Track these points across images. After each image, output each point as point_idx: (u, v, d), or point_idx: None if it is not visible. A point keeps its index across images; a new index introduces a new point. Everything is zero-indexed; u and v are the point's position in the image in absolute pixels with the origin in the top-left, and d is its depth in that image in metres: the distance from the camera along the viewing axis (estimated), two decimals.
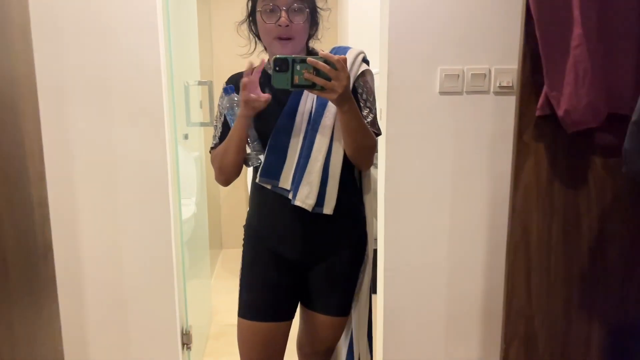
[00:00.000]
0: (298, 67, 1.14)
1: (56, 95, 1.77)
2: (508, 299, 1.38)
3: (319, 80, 1.14)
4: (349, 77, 1.17)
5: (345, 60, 1.17)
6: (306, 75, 1.14)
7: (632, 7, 1.16)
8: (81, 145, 1.81)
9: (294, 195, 1.31)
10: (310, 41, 1.42)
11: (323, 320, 1.46)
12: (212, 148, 1.46)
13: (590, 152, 1.26)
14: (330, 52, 1.35)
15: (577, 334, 1.38)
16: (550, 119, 1.24)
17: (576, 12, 1.11)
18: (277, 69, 1.15)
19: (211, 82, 2.26)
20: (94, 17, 1.73)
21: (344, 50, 1.38)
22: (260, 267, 1.44)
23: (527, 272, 1.33)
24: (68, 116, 1.79)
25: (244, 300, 1.46)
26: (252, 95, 1.24)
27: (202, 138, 2.72)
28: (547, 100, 1.21)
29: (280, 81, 1.16)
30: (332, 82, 1.14)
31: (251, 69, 1.24)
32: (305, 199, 1.31)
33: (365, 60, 1.42)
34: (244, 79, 1.24)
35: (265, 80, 1.31)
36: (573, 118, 1.16)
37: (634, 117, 0.90)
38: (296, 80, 1.15)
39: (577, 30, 1.12)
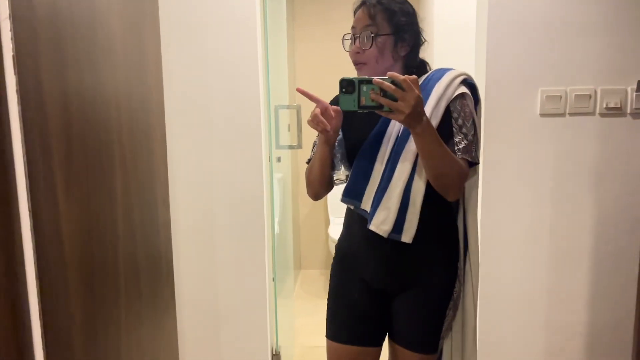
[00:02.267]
0: (364, 88, 1.12)
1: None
2: (638, 337, 1.28)
3: (385, 101, 1.11)
4: (418, 97, 1.13)
5: (415, 80, 1.13)
6: (372, 96, 1.12)
7: None
8: (182, 167, 1.89)
9: (370, 219, 1.29)
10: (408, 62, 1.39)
11: (407, 355, 1.38)
12: (307, 161, 1.48)
13: None
14: (432, 74, 1.34)
15: None
16: None
17: None
18: (344, 90, 1.14)
19: (299, 105, 2.30)
20: (199, 46, 1.82)
21: (443, 72, 1.34)
22: (344, 288, 1.41)
23: None
24: (171, 138, 1.87)
25: (329, 319, 1.44)
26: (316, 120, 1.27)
27: (289, 160, 2.76)
28: None
29: (348, 103, 1.15)
30: (399, 102, 1.11)
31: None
32: (380, 224, 1.27)
33: (469, 83, 1.36)
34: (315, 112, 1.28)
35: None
36: None
37: None
38: (363, 101, 1.13)
39: None
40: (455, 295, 1.38)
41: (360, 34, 1.30)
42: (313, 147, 1.47)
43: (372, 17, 1.30)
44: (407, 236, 1.28)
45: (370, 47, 1.30)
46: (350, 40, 1.33)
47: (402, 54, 1.36)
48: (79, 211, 0.82)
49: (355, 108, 1.15)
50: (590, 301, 1.82)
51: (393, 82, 1.11)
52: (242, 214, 1.90)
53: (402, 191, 1.27)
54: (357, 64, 1.32)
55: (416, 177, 1.28)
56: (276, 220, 2.78)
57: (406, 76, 1.12)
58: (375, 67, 1.33)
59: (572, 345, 1.83)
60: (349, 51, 1.33)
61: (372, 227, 1.28)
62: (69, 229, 0.79)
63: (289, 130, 2.45)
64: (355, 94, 1.14)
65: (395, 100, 1.11)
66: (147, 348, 1.08)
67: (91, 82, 0.87)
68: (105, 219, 0.92)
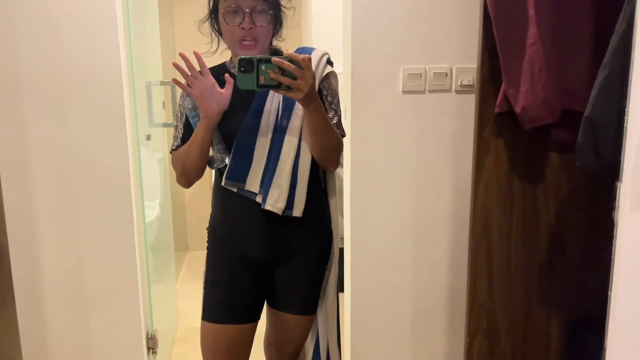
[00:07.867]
0: (263, 67, 1.13)
1: (12, 95, 1.71)
2: (470, 293, 1.41)
3: (285, 80, 1.13)
4: (314, 76, 1.18)
5: (310, 59, 1.17)
6: (272, 75, 1.13)
7: (585, 6, 1.21)
8: (39, 147, 1.75)
9: (264, 199, 1.31)
10: (273, 40, 1.41)
11: (290, 319, 1.46)
12: (172, 150, 1.44)
13: (548, 147, 1.31)
14: (295, 52, 1.35)
15: (537, 326, 1.42)
16: (508, 115, 1.28)
17: (531, 12, 1.15)
18: (242, 69, 1.15)
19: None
20: (51, 16, 1.68)
21: (308, 51, 1.38)
22: (224, 269, 1.42)
23: (488, 267, 1.36)
24: (25, 118, 1.73)
25: (208, 302, 1.44)
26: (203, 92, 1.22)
27: (165, 139, 2.67)
28: (506, 98, 1.24)
29: (246, 82, 1.15)
30: (298, 81, 1.14)
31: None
32: (275, 202, 1.31)
33: (329, 62, 1.42)
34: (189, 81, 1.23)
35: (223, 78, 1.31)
36: (530, 114, 1.20)
37: (586, 113, 0.93)
38: (262, 80, 1.14)
39: (532, 29, 1.15)
40: (331, 256, 1.48)
41: (252, 9, 1.26)
42: (177, 136, 1.43)
43: None
44: (298, 210, 1.34)
45: (267, 24, 1.28)
46: (234, 15, 1.26)
47: (276, 31, 1.39)
48: None
49: (254, 87, 1.16)
50: (449, 265, 1.96)
51: (291, 61, 1.13)
52: (108, 195, 1.81)
53: (291, 168, 1.31)
54: (245, 40, 1.28)
55: (302, 154, 1.32)
56: (157, 202, 2.69)
57: (303, 55, 1.16)
58: (264, 45, 1.33)
59: (435, 306, 1.96)
60: (235, 26, 1.27)
61: (267, 206, 1.30)
62: None
63: (163, 107, 2.37)
64: (254, 73, 1.14)
65: (294, 79, 1.13)
66: None
67: None
68: None
